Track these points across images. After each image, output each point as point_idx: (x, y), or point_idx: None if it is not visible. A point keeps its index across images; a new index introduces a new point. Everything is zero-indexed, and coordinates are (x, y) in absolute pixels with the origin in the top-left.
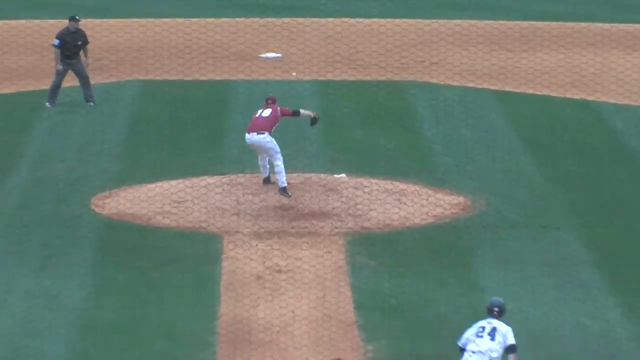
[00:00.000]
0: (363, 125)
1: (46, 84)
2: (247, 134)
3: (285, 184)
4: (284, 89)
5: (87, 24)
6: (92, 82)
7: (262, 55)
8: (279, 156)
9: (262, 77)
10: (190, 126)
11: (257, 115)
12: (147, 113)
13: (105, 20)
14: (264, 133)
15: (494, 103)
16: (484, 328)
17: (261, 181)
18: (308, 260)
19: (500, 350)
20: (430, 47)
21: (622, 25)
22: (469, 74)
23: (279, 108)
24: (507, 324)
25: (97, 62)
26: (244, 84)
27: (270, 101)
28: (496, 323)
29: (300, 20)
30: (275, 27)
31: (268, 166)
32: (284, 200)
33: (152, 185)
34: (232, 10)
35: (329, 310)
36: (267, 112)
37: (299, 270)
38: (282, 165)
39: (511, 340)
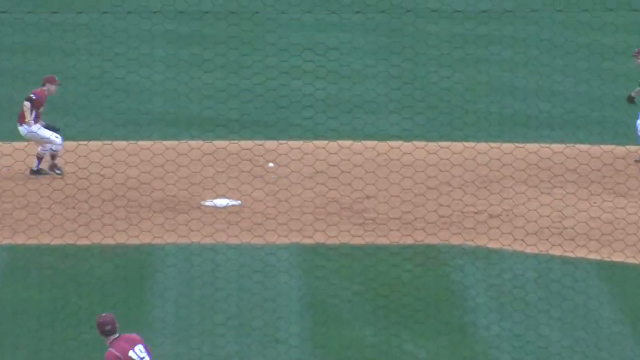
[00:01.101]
0: (376, 320)
1: None
2: None
3: None
4: (245, 259)
5: None
6: None
7: (208, 203)
8: None
9: (208, 240)
10: (88, 321)
11: None
12: (13, 300)
13: None
14: None
15: (597, 282)
16: None
17: None
18: None
19: None
20: (489, 190)
21: None
22: (554, 234)
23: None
24: None
25: None
26: (176, 252)
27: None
28: None
29: (271, 144)
30: (230, 155)
31: None
32: None
33: None
34: (156, 127)
35: None
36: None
37: None
38: None
39: None
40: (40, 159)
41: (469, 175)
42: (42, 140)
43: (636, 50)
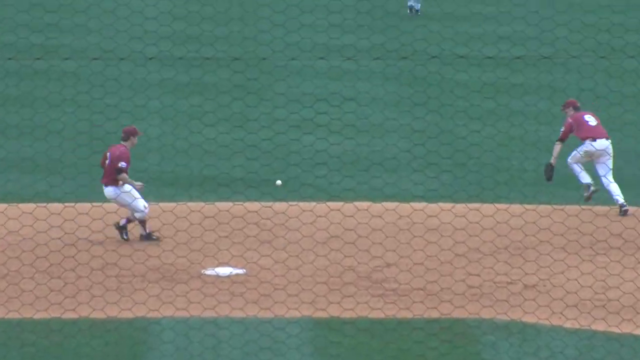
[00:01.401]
0: None
1: None
2: None
3: None
4: (251, 334)
5: None
6: None
7: (209, 272)
8: None
9: (209, 314)
10: None
11: None
12: None
13: None
14: None
15: None
16: None
17: None
18: None
19: None
20: (524, 257)
21: None
22: (596, 306)
23: None
24: None
25: None
26: (174, 327)
27: None
28: None
29: (280, 206)
30: (234, 218)
31: None
32: None
33: None
34: (152, 187)
35: None
36: None
37: None
38: None
39: None
40: (142, 223)
41: (501, 240)
42: (126, 204)
43: (565, 102)
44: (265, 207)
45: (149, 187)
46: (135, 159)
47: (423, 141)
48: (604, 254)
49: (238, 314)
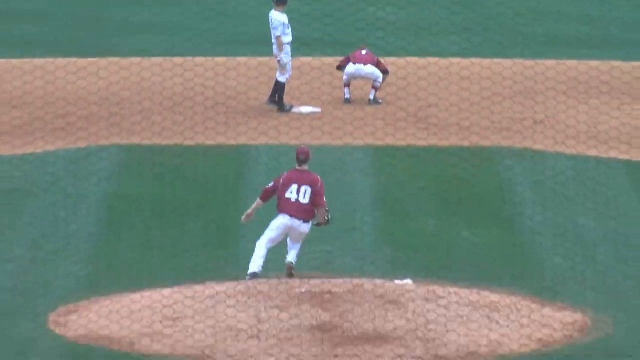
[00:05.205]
0: (437, 211)
1: None
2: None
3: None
4: (325, 157)
5: (43, 65)
6: (53, 147)
7: (295, 110)
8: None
9: (294, 141)
10: (192, 212)
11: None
12: (128, 193)
13: (71, 59)
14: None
15: (626, 179)
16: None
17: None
18: None
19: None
20: (534, 100)
21: None
22: (589, 137)
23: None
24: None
25: (60, 120)
26: (267, 151)
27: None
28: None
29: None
30: (313, 69)
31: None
32: (324, 315)
33: (136, 296)
34: (251, 47)
35: None
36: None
37: None
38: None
39: None
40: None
41: (517, 87)
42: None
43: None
44: (337, 59)
45: (248, 47)
46: (238, 25)
47: (460, 11)
48: (596, 98)
49: (317, 142)
